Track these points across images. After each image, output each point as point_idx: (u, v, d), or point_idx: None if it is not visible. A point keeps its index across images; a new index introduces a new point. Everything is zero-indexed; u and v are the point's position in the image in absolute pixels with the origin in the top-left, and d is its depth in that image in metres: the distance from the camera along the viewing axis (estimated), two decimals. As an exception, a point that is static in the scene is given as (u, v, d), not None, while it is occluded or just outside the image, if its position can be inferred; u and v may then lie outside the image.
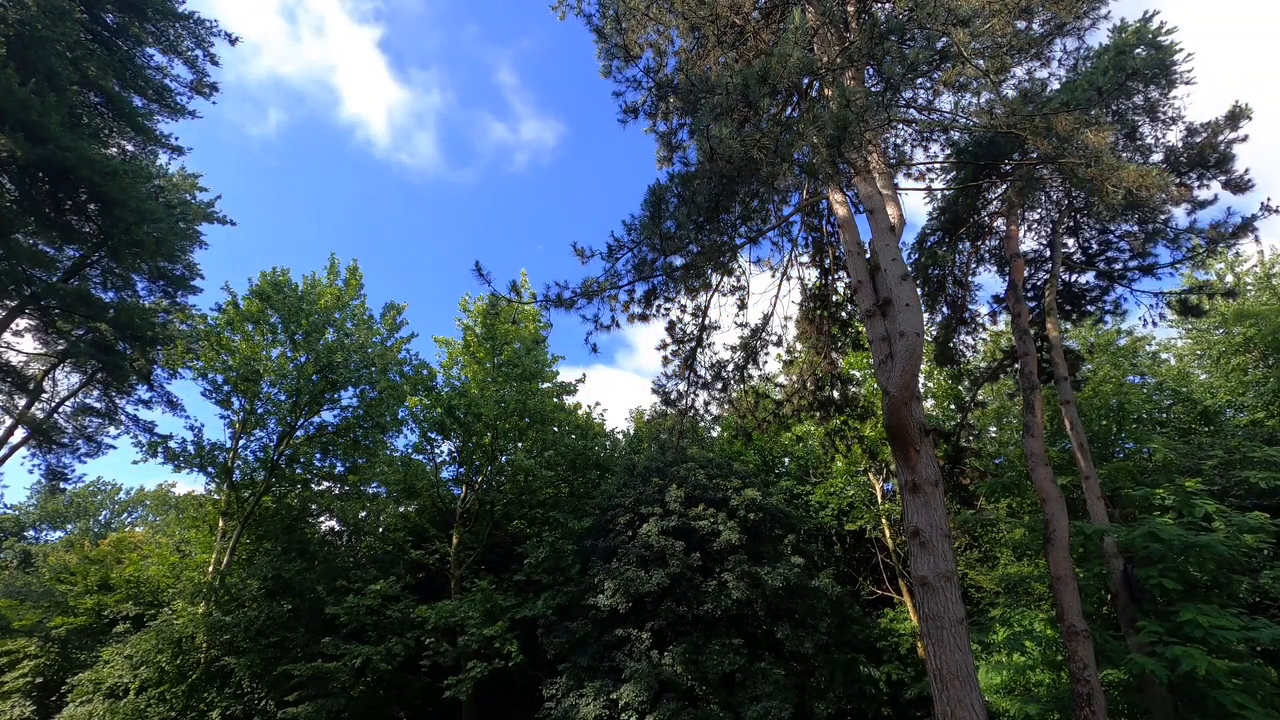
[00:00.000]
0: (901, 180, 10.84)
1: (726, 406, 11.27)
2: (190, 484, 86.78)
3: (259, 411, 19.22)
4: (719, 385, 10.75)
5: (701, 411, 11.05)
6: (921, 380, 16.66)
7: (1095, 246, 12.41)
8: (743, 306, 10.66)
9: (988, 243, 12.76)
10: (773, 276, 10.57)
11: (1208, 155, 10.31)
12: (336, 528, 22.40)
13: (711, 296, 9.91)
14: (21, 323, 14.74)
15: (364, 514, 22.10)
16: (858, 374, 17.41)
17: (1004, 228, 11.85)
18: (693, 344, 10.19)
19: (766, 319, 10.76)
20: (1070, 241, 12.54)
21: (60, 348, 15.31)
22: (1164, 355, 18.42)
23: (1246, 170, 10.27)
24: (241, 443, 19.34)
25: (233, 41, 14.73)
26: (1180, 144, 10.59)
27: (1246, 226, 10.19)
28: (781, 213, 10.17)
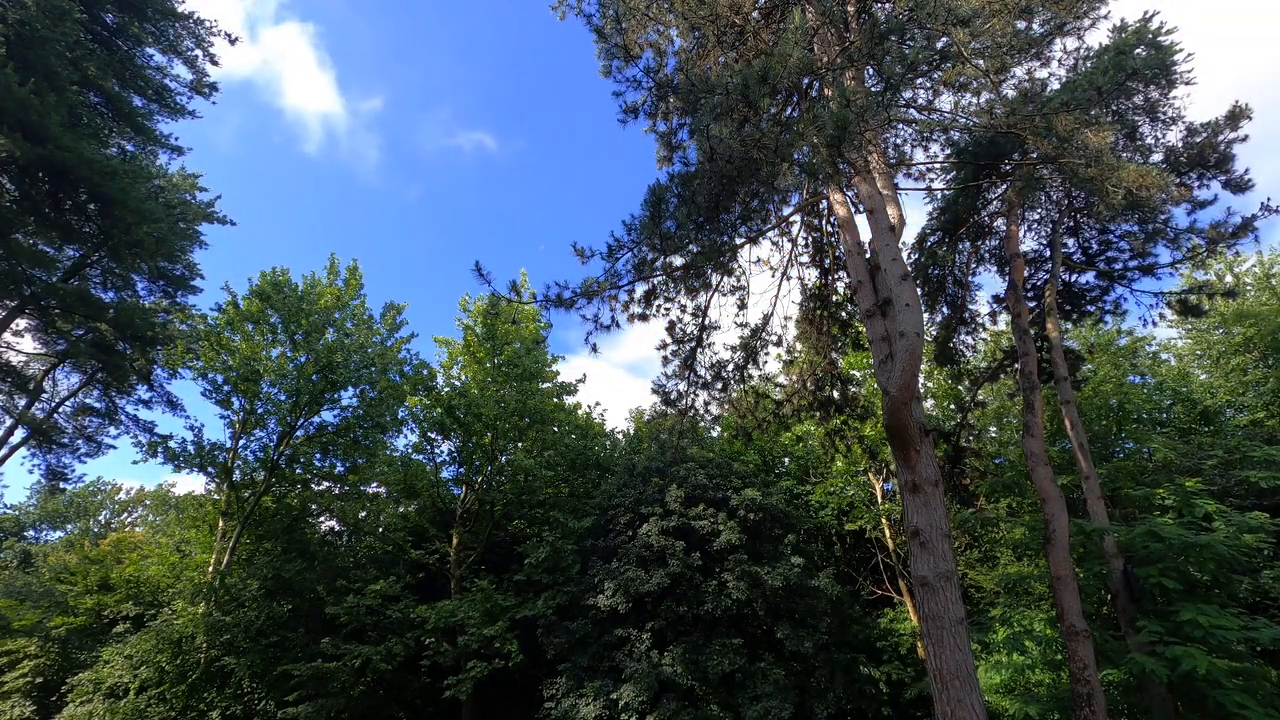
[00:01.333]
0: (901, 180, 10.84)
1: (726, 406, 11.26)
2: (190, 484, 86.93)
3: (259, 411, 19.21)
4: (719, 385, 10.75)
5: (701, 411, 11.04)
6: (921, 380, 16.66)
7: (1095, 246, 12.41)
8: (743, 306, 10.66)
9: (988, 243, 12.76)
10: (773, 276, 10.57)
11: (1208, 155, 10.31)
12: (336, 528, 22.40)
13: (711, 296, 9.91)
14: (21, 323, 14.74)
15: (364, 514, 22.10)
16: (858, 374, 17.41)
17: (1004, 228, 11.85)
18: (693, 344, 10.19)
19: (766, 319, 10.76)
20: (1070, 241, 12.54)
21: (60, 348, 15.29)
22: (1164, 355, 18.43)
23: (1246, 170, 10.30)
24: (241, 443, 19.34)
25: (232, 41, 14.74)
26: (1180, 144, 10.59)
27: (1246, 226, 10.19)
28: (781, 213, 10.19)
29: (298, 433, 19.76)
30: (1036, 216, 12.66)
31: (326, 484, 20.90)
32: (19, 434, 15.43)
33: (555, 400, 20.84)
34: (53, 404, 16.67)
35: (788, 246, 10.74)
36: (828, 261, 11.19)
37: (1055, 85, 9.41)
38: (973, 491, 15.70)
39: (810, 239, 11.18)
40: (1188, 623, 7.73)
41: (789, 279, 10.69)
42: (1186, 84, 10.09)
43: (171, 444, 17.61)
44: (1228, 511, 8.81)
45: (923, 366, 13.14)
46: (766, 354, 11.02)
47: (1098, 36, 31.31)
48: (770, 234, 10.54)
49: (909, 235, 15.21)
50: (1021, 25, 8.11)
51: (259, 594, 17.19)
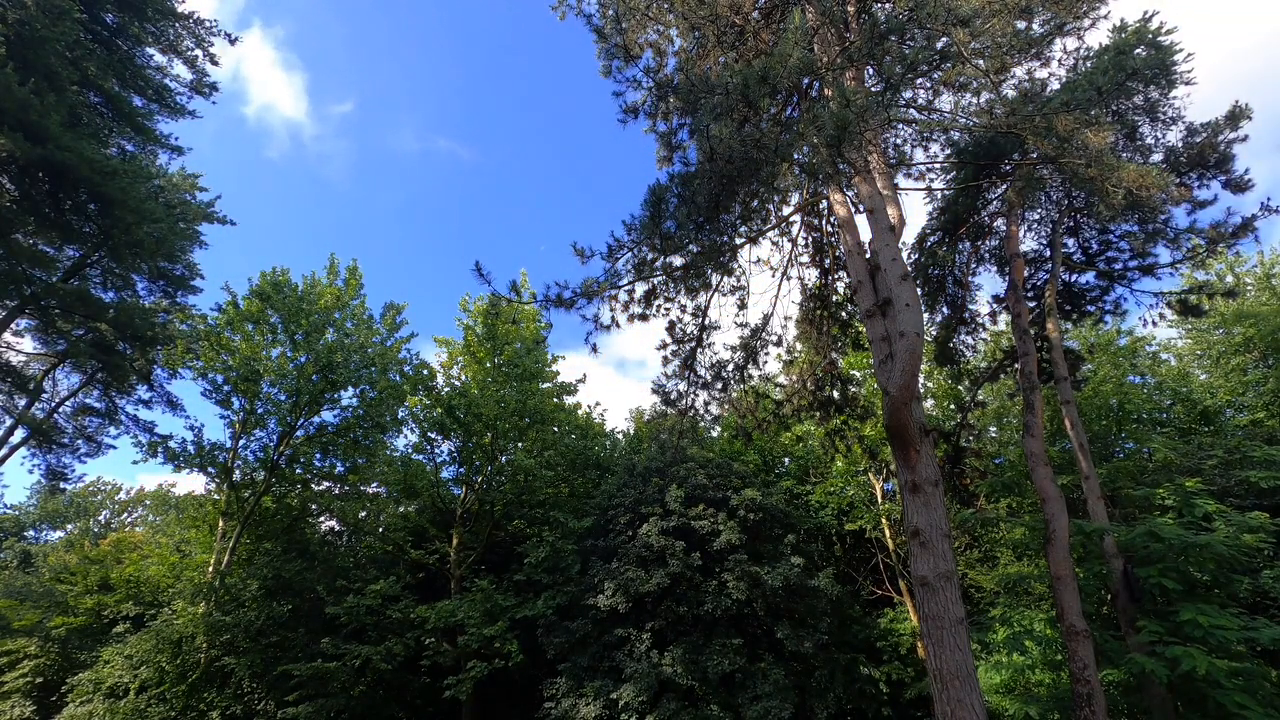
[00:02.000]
0: (901, 180, 10.85)
1: (726, 406, 11.26)
2: (190, 484, 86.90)
3: (259, 411, 19.20)
4: (719, 385, 10.74)
5: (701, 411, 11.04)
6: (921, 380, 16.66)
7: (1095, 246, 12.42)
8: (743, 306, 10.66)
9: (988, 243, 12.76)
10: (773, 276, 10.58)
11: (1208, 155, 10.31)
12: (336, 528, 22.39)
13: (711, 296, 9.91)
14: (21, 323, 14.74)
15: (364, 514, 22.09)
16: (858, 374, 17.41)
17: (1004, 228, 11.85)
18: (693, 344, 10.19)
19: (766, 319, 10.76)
20: (1070, 241, 12.54)
21: (60, 348, 15.29)
22: (1164, 355, 18.42)
23: (1246, 170, 10.31)
24: (241, 443, 19.33)
25: (232, 41, 14.74)
26: (1180, 144, 10.59)
27: (1246, 226, 10.19)
28: (781, 213, 10.19)
29: (298, 433, 19.75)
30: (1036, 216, 12.66)
31: (326, 484, 20.88)
32: (19, 434, 15.43)
33: (555, 400, 20.84)
34: (53, 404, 16.67)
35: (788, 246, 10.74)
36: (828, 261, 11.19)
37: (1055, 85, 9.41)
38: (973, 491, 15.71)
39: (810, 239, 11.19)
40: (1188, 623, 7.73)
41: (789, 279, 10.70)
42: (1186, 84, 10.10)
43: (171, 444, 17.59)
44: (1228, 511, 8.81)
45: (923, 366, 13.15)
46: (766, 354, 11.03)
47: (1098, 36, 31.33)
48: (770, 234, 10.55)
49: (909, 235, 15.23)
50: (1021, 25, 8.11)
51: (259, 594, 17.19)
